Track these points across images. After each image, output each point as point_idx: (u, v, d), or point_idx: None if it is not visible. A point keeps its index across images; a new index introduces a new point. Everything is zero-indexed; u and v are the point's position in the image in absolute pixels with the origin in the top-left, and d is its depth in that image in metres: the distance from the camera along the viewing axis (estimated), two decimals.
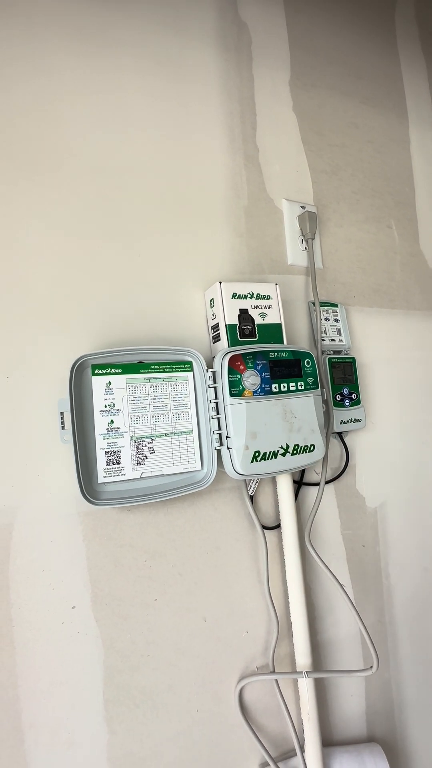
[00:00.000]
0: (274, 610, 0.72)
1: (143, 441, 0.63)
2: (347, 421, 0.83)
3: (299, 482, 0.79)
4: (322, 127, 0.94)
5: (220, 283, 0.70)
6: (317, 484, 0.80)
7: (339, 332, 0.88)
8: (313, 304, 0.86)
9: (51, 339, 0.63)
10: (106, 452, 0.61)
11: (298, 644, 0.71)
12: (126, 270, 0.70)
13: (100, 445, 0.60)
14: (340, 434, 0.84)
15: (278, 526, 0.76)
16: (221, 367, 0.65)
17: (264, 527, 0.74)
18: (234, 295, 0.70)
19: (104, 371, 0.62)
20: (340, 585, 0.73)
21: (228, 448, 0.65)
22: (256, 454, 0.65)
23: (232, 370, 0.65)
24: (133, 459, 0.62)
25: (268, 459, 0.65)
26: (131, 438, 0.62)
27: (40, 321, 0.63)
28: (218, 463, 0.66)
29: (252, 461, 0.64)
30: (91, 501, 0.57)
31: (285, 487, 0.73)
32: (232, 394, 0.64)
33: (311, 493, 0.81)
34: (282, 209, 0.86)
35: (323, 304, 0.87)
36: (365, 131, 1.00)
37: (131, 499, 0.60)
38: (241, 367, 0.66)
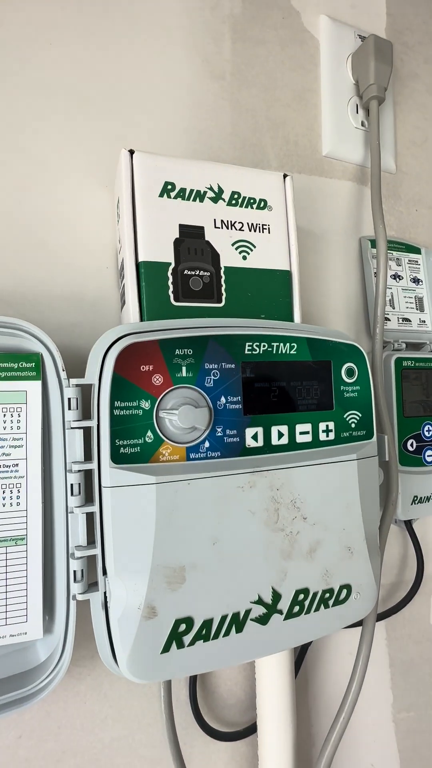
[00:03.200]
0: None
1: None
2: (426, 498, 0.39)
3: None
4: None
5: (131, 152, 0.27)
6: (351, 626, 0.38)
7: (420, 305, 0.43)
8: (372, 243, 0.41)
9: None
10: None
11: None
12: None
13: None
14: (408, 522, 0.40)
15: (251, 731, 0.34)
16: (98, 374, 0.23)
17: (215, 734, 0.33)
18: (169, 189, 0.27)
19: None
20: None
21: (104, 603, 0.23)
22: (182, 627, 0.23)
23: (124, 386, 0.23)
24: None
25: (215, 636, 0.24)
26: None
27: None
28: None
29: (168, 645, 0.23)
30: None
31: (271, 657, 0.31)
32: (119, 456, 0.22)
33: (333, 643, 0.38)
34: (317, 36, 0.41)
35: (393, 245, 0.42)
36: None
37: None
38: (157, 379, 0.24)
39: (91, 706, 0.30)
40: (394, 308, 0.41)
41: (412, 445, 0.38)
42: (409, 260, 0.43)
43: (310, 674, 0.37)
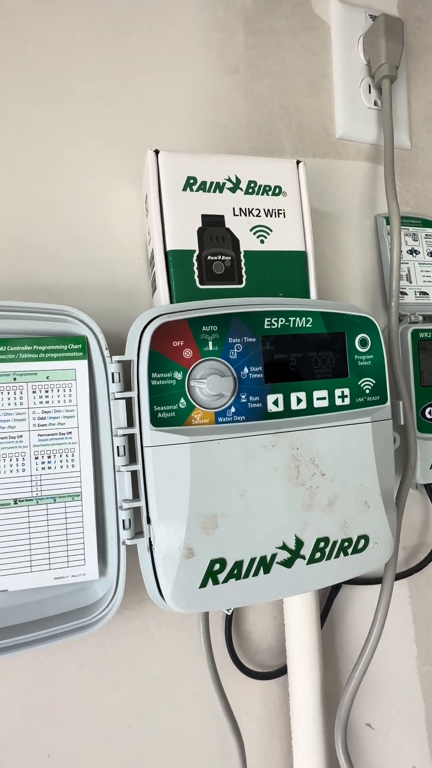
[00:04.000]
0: None
1: None
2: None
3: None
4: None
5: (156, 152, 0.30)
6: (372, 582, 0.41)
7: None
8: (387, 220, 0.43)
9: None
10: None
11: None
12: None
13: None
14: (428, 486, 0.42)
15: (282, 672, 0.38)
16: (136, 351, 0.27)
17: (249, 673, 0.37)
18: (191, 183, 0.30)
19: None
20: None
21: (149, 547, 0.27)
22: (216, 566, 0.27)
23: (159, 360, 0.26)
24: None
25: (246, 576, 0.27)
26: None
27: None
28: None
29: (205, 582, 0.26)
30: None
31: (298, 607, 0.35)
32: (158, 420, 0.26)
33: (357, 598, 0.41)
34: (328, 20, 0.42)
35: (408, 221, 0.44)
36: None
37: None
38: (187, 353, 0.27)
39: (141, 645, 0.35)
40: (411, 282, 0.43)
41: (430, 412, 0.40)
42: (426, 235, 0.44)
43: (336, 627, 0.40)
